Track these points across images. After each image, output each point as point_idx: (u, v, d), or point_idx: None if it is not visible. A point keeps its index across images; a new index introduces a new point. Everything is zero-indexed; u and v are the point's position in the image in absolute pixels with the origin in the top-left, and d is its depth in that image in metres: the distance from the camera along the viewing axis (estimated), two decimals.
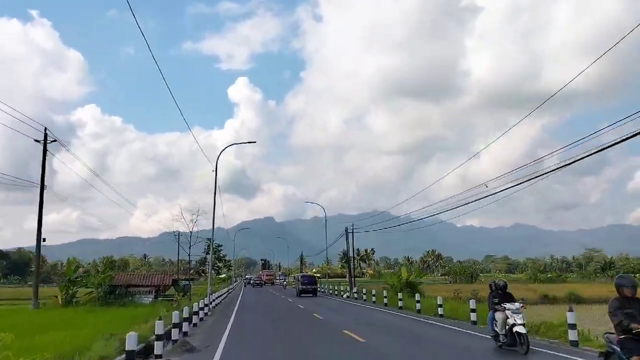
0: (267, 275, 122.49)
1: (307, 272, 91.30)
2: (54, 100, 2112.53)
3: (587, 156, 16.81)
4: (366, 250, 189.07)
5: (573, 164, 17.84)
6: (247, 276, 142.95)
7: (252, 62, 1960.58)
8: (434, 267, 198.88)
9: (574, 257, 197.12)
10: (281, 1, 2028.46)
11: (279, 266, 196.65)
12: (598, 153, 16.36)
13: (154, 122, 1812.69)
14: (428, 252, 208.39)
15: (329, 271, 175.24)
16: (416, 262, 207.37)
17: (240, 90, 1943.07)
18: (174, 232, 61.76)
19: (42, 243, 32.99)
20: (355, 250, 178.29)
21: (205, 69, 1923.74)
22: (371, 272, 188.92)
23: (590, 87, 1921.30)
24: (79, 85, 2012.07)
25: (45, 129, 32.02)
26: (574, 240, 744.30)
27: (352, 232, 50.62)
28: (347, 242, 50.38)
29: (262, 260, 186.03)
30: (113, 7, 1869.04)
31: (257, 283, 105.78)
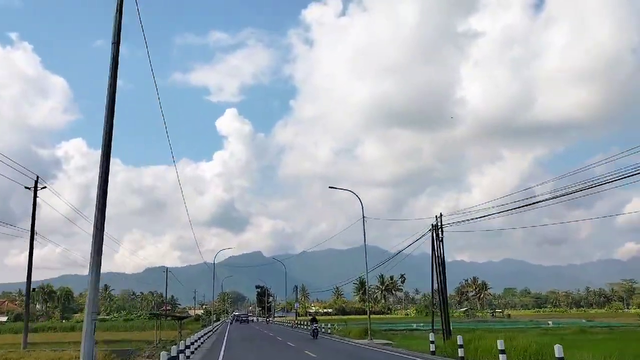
0: None
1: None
2: (36, 128, 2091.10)
3: (578, 190, 17.19)
4: (392, 278, 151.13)
5: (564, 198, 18.24)
6: (235, 312, 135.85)
7: (242, 94, 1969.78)
8: (475, 300, 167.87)
9: (612, 290, 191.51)
10: (273, 32, 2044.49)
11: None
12: (590, 193, 17.21)
13: (140, 155, 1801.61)
14: (466, 281, 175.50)
15: (343, 305, 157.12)
16: (450, 294, 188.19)
17: (229, 122, 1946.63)
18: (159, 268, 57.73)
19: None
20: (379, 278, 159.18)
21: (194, 101, 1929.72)
22: (411, 310, 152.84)
23: (584, 118, 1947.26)
24: (63, 113, 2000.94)
25: (37, 177, 30.58)
26: (566, 274, 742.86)
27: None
28: None
29: (257, 287, 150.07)
30: (100, 37, 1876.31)
31: (243, 319, 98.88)
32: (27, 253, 30.94)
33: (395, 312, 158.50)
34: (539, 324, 66.53)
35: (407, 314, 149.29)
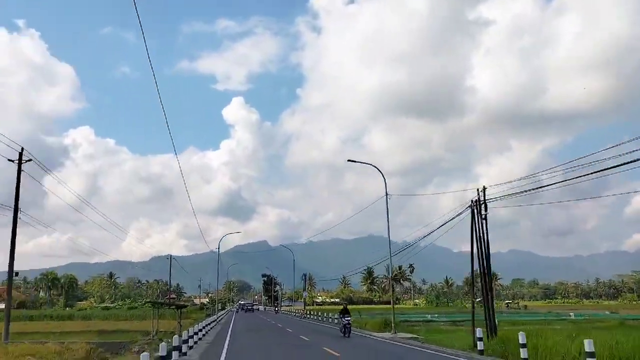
0: None
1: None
2: (43, 116, 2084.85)
3: (584, 175, 16.51)
4: (400, 268, 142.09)
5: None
6: (240, 301, 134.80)
7: (250, 83, 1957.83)
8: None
9: (622, 281, 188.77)
10: (280, 19, 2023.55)
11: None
12: (597, 177, 16.44)
13: (147, 143, 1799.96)
14: (476, 271, 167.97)
15: (351, 295, 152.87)
16: (458, 285, 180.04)
17: (236, 111, 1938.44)
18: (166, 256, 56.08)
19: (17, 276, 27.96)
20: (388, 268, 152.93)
21: (202, 89, 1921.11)
22: (421, 300, 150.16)
23: (594, 108, 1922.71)
24: (70, 101, 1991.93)
25: (22, 149, 28.12)
26: (573, 266, 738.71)
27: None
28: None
29: (264, 276, 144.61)
30: (108, 24, 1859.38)
31: (249, 308, 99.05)
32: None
33: (404, 302, 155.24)
34: (560, 316, 63.23)
35: (416, 304, 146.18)
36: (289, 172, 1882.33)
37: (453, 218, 21.48)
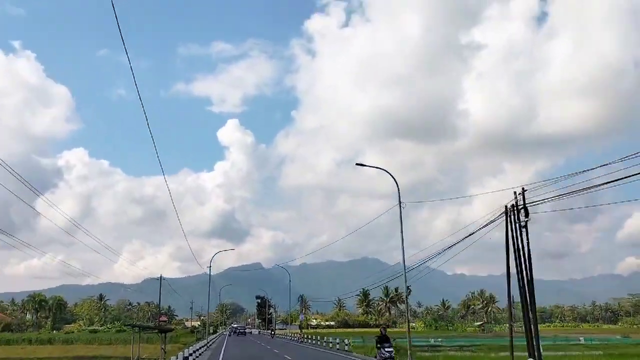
0: None
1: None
2: (37, 137, 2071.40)
3: (575, 192, 16.27)
4: (396, 290, 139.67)
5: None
6: (233, 325, 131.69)
7: (245, 105, 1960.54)
8: (482, 314, 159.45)
9: (619, 305, 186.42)
10: (276, 42, 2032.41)
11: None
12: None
13: (142, 165, 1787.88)
14: (472, 293, 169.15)
15: (346, 318, 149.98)
16: (453, 307, 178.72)
17: (231, 133, 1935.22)
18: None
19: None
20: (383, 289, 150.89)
21: (197, 111, 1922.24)
22: (418, 324, 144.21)
23: (587, 131, 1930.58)
24: (65, 122, 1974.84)
25: None
26: (567, 289, 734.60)
27: None
28: None
29: (258, 298, 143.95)
30: (105, 46, 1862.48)
31: (241, 332, 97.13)
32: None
33: (400, 326, 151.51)
34: (570, 341, 60.34)
35: (413, 328, 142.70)
36: (284, 194, 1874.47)
37: (484, 226, 18.81)
